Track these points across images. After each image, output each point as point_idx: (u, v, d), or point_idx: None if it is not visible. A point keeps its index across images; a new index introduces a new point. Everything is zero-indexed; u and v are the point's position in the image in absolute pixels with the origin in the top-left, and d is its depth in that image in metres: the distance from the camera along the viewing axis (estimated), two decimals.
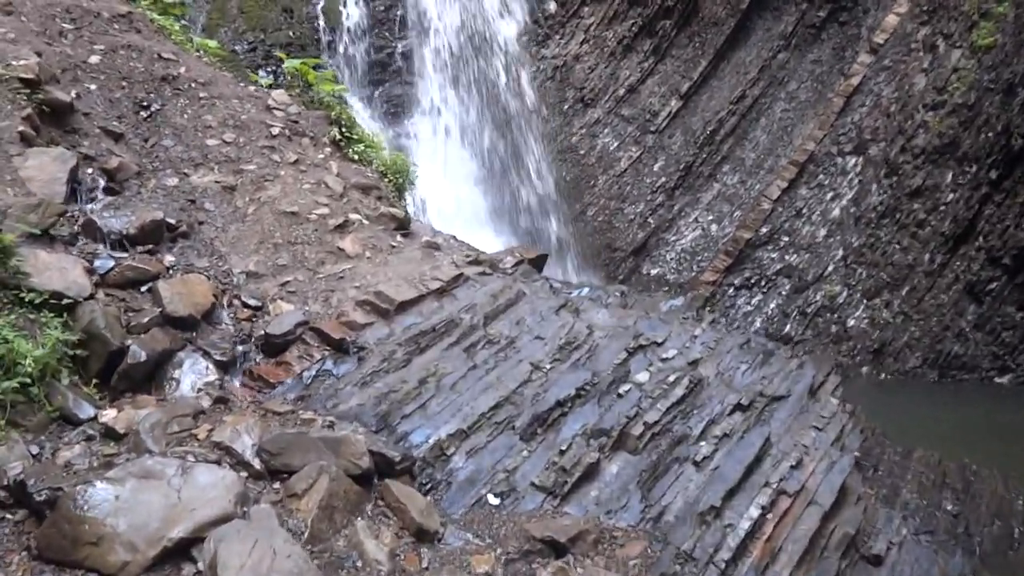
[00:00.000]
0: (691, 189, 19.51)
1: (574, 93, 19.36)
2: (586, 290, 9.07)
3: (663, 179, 19.38)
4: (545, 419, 6.73)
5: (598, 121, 19.44)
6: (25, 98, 8.63)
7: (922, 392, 15.27)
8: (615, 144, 19.48)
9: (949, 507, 7.82)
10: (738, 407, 7.23)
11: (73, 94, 9.45)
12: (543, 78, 19.03)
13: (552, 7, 19.13)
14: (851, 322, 17.23)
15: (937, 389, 15.43)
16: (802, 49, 19.93)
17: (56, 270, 6.79)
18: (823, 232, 18.30)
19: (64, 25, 10.53)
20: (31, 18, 10.32)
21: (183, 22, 13.39)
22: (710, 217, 19.32)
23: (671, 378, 7.32)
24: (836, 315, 17.41)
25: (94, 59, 10.24)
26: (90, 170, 8.76)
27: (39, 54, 9.45)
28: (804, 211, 18.56)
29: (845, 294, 17.58)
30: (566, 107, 19.25)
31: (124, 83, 10.20)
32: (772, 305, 18.19)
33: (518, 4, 18.86)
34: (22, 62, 8.84)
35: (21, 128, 8.38)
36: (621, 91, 19.54)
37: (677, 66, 19.97)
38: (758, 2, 19.74)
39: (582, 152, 19.23)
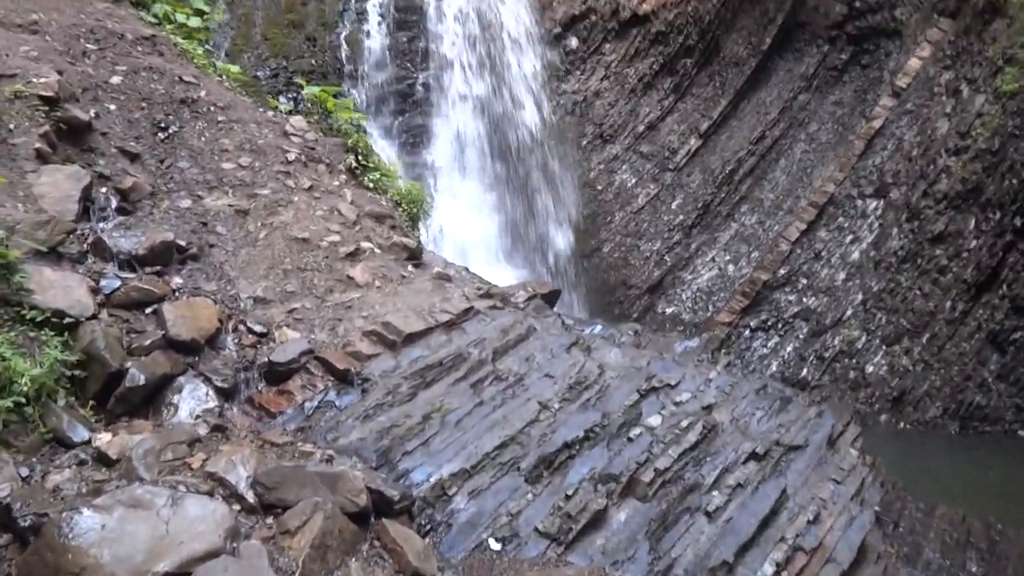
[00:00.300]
0: (709, 228, 19.30)
1: (593, 129, 19.28)
2: (598, 327, 8.82)
3: (681, 217, 19.18)
4: (552, 461, 6.46)
5: (616, 157, 19.32)
6: (43, 115, 8.58)
7: (943, 443, 14.81)
8: (633, 181, 19.34)
9: (974, 568, 7.44)
10: (753, 456, 6.92)
11: (92, 113, 9.41)
12: (563, 113, 18.98)
13: (574, 43, 19.13)
14: (870, 368, 16.84)
15: (958, 441, 14.97)
16: (823, 91, 19.80)
17: (60, 288, 6.66)
18: (842, 275, 17.99)
19: (88, 46, 10.53)
20: (56, 38, 10.33)
21: (207, 47, 13.42)
22: (727, 257, 19.06)
23: (684, 423, 7.04)
24: (854, 361, 17.02)
25: (115, 79, 10.22)
26: (104, 189, 8.67)
27: (60, 73, 9.43)
28: (823, 253, 18.28)
29: (864, 339, 17.20)
30: (585, 142, 19.16)
31: (144, 104, 10.16)
32: (789, 348, 17.84)
33: (540, 40, 18.85)
34: (42, 80, 8.82)
35: (37, 145, 8.32)
36: (640, 128, 19.45)
37: (697, 104, 19.88)
38: (780, 43, 19.68)
39: (600, 188, 19.10)
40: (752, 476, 6.76)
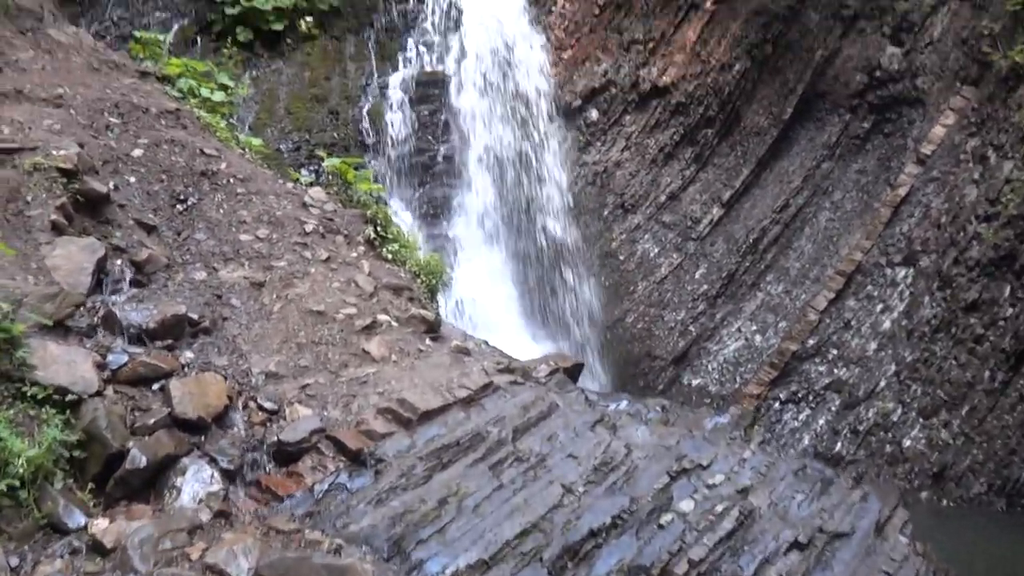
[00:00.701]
0: (734, 298, 18.90)
1: (614, 199, 19.13)
2: (624, 403, 8.37)
3: (705, 287, 18.81)
4: (577, 551, 5.95)
5: (638, 227, 19.10)
6: (61, 187, 8.48)
7: (990, 522, 13.96)
8: (655, 250, 19.07)
9: None
10: (795, 545, 6.37)
11: (111, 185, 9.32)
12: (583, 183, 18.86)
13: (594, 115, 19.14)
14: (907, 442, 16.09)
15: (1006, 519, 14.11)
16: (847, 159, 19.59)
17: (64, 364, 6.39)
18: (873, 345, 17.42)
19: (111, 119, 10.54)
20: (80, 111, 10.36)
21: (231, 120, 13.48)
22: (754, 327, 18.59)
23: (719, 508, 6.52)
24: (890, 434, 16.30)
25: (137, 152, 10.18)
26: (119, 261, 8.50)
27: (82, 145, 9.39)
28: (853, 323, 17.75)
29: (900, 412, 16.50)
30: (606, 212, 18.99)
31: (164, 176, 10.08)
32: (821, 421, 17.17)
33: (560, 112, 18.90)
34: (62, 152, 8.76)
35: (53, 217, 8.19)
36: (662, 198, 19.28)
37: (719, 174, 19.72)
38: (801, 112, 19.59)
39: (622, 258, 18.82)
40: (795, 567, 6.20)
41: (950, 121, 17.62)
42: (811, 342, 17.65)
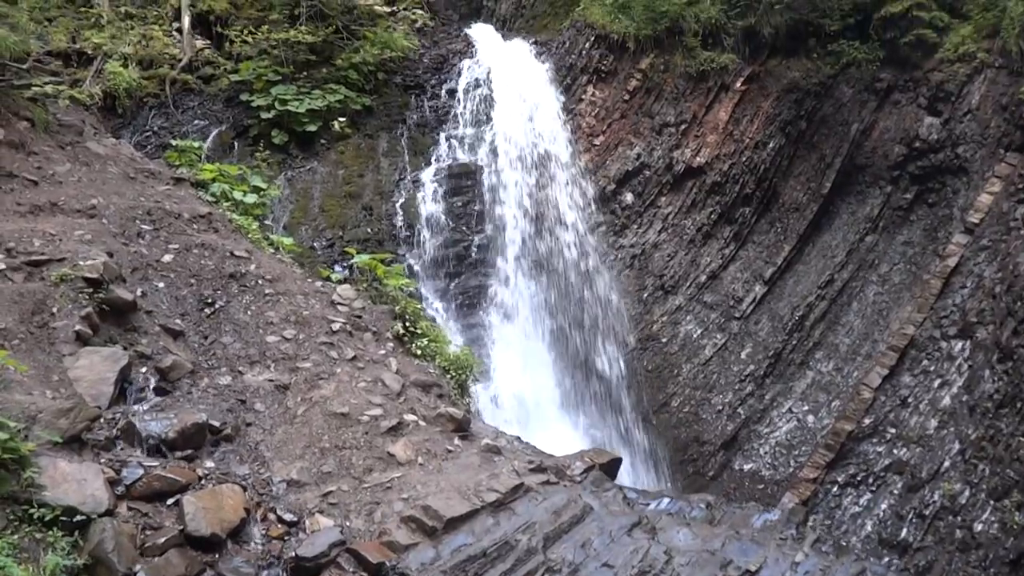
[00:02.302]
0: (782, 377, 18.15)
1: (653, 281, 18.76)
2: (666, 502, 7.81)
3: (751, 367, 18.12)
4: None
5: (680, 308, 18.64)
6: (87, 297, 8.51)
7: None
8: (698, 331, 18.52)
9: None
10: None
11: (139, 292, 9.33)
12: (621, 267, 18.57)
13: (629, 199, 19.01)
14: (978, 527, 14.90)
15: None
16: (891, 231, 19.01)
17: (74, 482, 6.17)
18: (934, 423, 16.42)
19: (143, 226, 10.68)
20: (112, 220, 10.51)
21: (265, 221, 13.62)
22: (805, 407, 17.75)
23: None
24: (959, 518, 15.13)
25: (167, 258, 10.24)
26: (144, 369, 8.41)
27: (111, 254, 9.47)
28: (910, 400, 16.82)
29: (968, 494, 15.36)
30: (645, 295, 18.59)
31: (192, 280, 10.09)
32: (883, 506, 16.09)
33: (595, 196, 18.82)
34: (88, 262, 8.82)
35: (78, 327, 8.18)
36: (702, 278, 18.85)
37: (759, 252, 19.28)
38: (840, 186, 19.19)
39: (664, 340, 18.31)
40: None
41: (996, 188, 17.01)
42: (867, 421, 16.73)
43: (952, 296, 17.07)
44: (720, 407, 17.87)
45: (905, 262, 18.50)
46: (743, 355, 18.26)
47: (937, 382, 16.72)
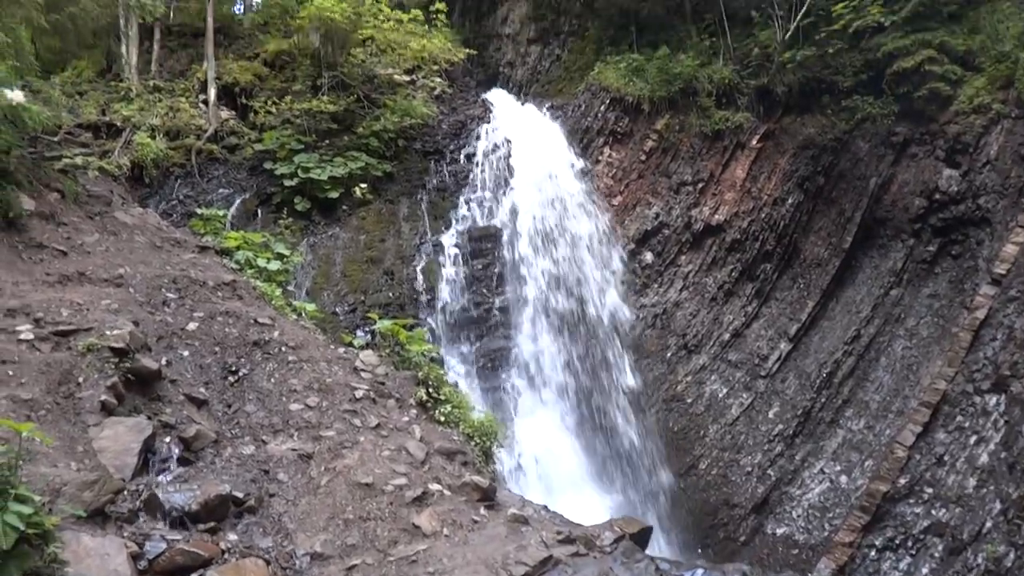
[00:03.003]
0: (812, 437, 17.74)
1: (676, 340, 18.59)
2: (700, 573, 7.52)
3: (780, 426, 17.75)
4: None
5: (704, 367, 18.40)
6: (113, 367, 8.50)
7: None
8: (724, 391, 18.24)
9: None
10: None
11: (164, 361, 9.32)
12: (643, 326, 18.44)
13: (649, 257, 18.99)
14: None
15: None
16: (916, 284, 18.78)
17: (97, 557, 6.04)
18: (972, 482, 15.91)
19: (168, 295, 10.74)
20: (138, 289, 10.59)
21: (288, 287, 13.68)
22: (838, 467, 17.29)
23: None
24: None
25: (192, 326, 10.26)
26: (167, 439, 8.33)
27: (136, 323, 9.49)
28: (946, 458, 16.34)
29: (1012, 556, 14.77)
30: (669, 355, 18.40)
31: (217, 348, 10.08)
32: (925, 570, 15.51)
33: (616, 256, 18.80)
34: (115, 332, 8.84)
35: (103, 397, 8.15)
36: (726, 336, 18.66)
37: (783, 308, 19.09)
38: (862, 240, 19.07)
39: (689, 401, 18.03)
40: None
41: (1021, 238, 16.81)
42: (902, 481, 16.24)
43: (983, 349, 16.74)
44: (749, 468, 17.46)
45: (932, 315, 18.22)
46: (771, 414, 17.92)
47: (973, 439, 16.29)
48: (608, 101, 20.22)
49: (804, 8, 19.27)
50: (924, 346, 17.88)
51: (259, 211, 17.04)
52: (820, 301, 18.93)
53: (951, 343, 17.21)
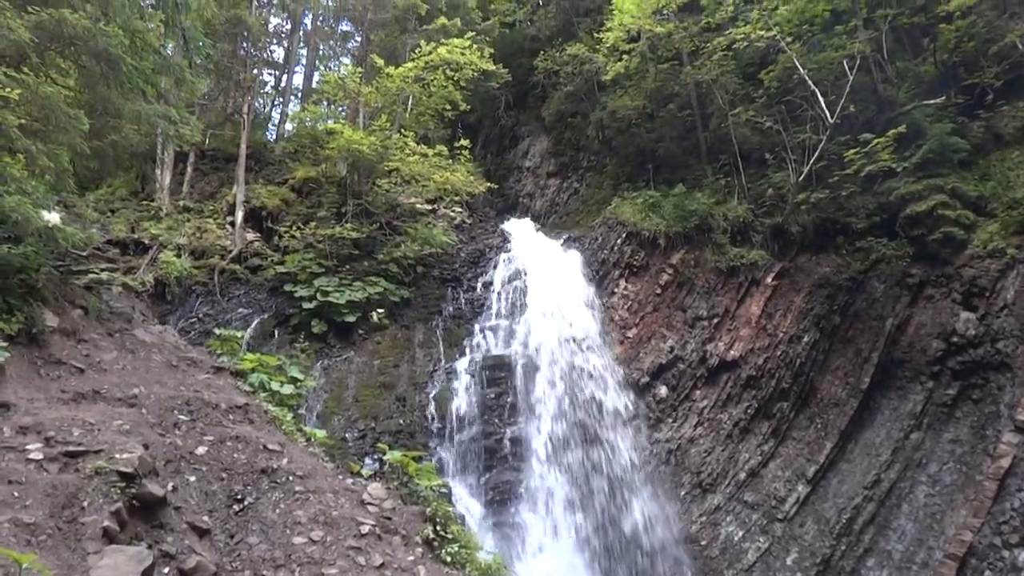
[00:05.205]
0: None
1: (691, 478, 18.19)
2: None
3: (798, 574, 17.04)
4: None
5: (719, 508, 17.90)
6: (119, 491, 8.42)
7: None
8: (740, 533, 17.65)
9: None
10: None
11: (170, 486, 9.23)
12: (657, 462, 18.10)
13: (663, 392, 18.88)
14: None
15: None
16: (937, 428, 18.43)
17: None
18: None
19: (180, 416, 10.75)
20: (151, 410, 10.62)
21: (299, 412, 13.66)
22: None
23: None
24: None
25: (201, 450, 10.21)
26: (166, 569, 8.13)
27: (146, 446, 9.47)
28: None
29: None
30: (683, 493, 17.96)
31: (224, 474, 9.99)
32: None
33: (628, 390, 18.71)
34: (125, 455, 8.81)
35: (106, 523, 8.03)
36: (742, 475, 18.25)
37: (800, 448, 18.74)
38: (880, 381, 18.90)
39: (703, 543, 17.43)
40: None
41: None
42: None
43: (1009, 500, 16.28)
44: None
45: (955, 461, 17.79)
46: (789, 561, 17.25)
47: None
48: (625, 235, 20.68)
49: (816, 153, 19.96)
50: (948, 494, 17.37)
51: (276, 332, 17.25)
52: (838, 442, 18.58)
53: (975, 492, 16.74)
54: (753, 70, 23.97)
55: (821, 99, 20.19)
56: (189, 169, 21.98)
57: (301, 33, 32.67)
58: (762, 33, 21.33)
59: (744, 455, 18.45)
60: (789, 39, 21.36)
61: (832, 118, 19.64)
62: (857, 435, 18.74)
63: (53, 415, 9.73)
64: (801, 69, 20.59)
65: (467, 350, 17.96)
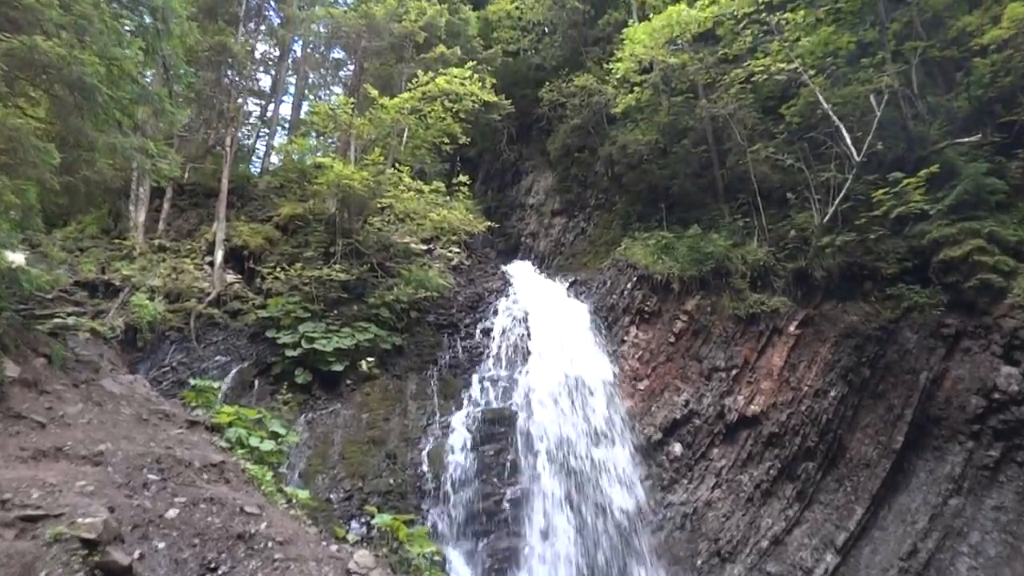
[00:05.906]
0: None
1: (708, 545, 17.92)
2: None
3: None
4: None
5: None
6: (80, 560, 8.27)
7: None
8: None
9: None
10: None
11: (136, 554, 9.07)
12: (671, 527, 17.85)
13: (677, 449, 18.71)
14: None
15: None
16: (978, 494, 18.22)
17: None
18: None
19: (150, 476, 10.63)
20: (118, 469, 10.50)
21: (280, 470, 13.51)
22: None
23: None
24: None
25: (171, 513, 10.06)
26: None
27: (112, 509, 9.34)
28: None
29: None
30: (699, 562, 17.67)
31: (196, 540, 9.83)
32: None
33: (641, 446, 18.54)
34: (88, 520, 8.67)
35: None
36: (764, 543, 17.98)
37: (828, 513, 18.50)
38: (914, 440, 18.75)
39: None
40: None
41: None
42: None
43: None
44: None
45: (999, 531, 17.55)
46: None
47: None
48: (635, 278, 20.71)
49: (842, 193, 20.07)
50: (992, 567, 17.09)
51: (256, 382, 17.16)
52: (870, 508, 18.35)
53: (1023, 565, 16.50)
54: (773, 104, 24.23)
55: (847, 135, 20.36)
56: (166, 205, 22.09)
57: (290, 60, 33.16)
58: (783, 65, 21.61)
59: (767, 520, 18.20)
60: (812, 72, 21.63)
61: (859, 156, 19.79)
62: (890, 500, 18.52)
63: (10, 475, 9.61)
64: (825, 104, 20.81)
65: (464, 402, 17.84)
